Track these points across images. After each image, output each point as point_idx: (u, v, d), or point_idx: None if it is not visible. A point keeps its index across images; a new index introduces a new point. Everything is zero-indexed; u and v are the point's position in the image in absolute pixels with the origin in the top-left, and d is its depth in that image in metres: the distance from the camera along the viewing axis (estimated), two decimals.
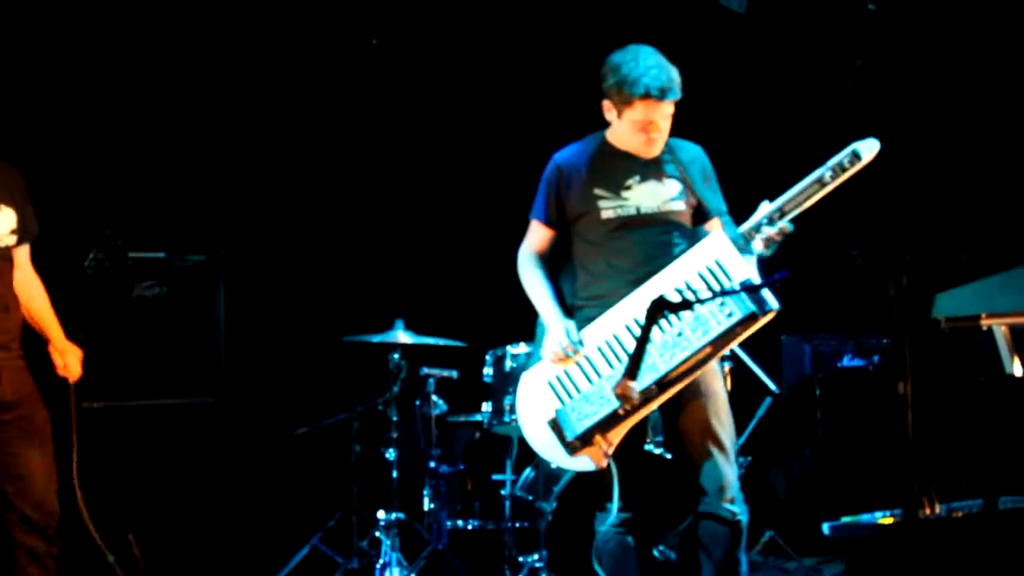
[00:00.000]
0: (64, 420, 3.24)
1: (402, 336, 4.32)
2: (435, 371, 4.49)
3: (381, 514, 4.29)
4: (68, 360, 3.21)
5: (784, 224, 2.72)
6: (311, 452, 4.85)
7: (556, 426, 2.85)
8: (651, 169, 2.95)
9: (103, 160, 4.67)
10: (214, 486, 4.67)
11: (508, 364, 4.16)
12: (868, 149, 2.65)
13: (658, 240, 2.93)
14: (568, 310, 3.00)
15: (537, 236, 3.07)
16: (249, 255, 4.99)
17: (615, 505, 2.88)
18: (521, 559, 4.07)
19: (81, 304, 4.34)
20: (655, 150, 2.94)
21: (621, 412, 2.75)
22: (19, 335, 3.09)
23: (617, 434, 2.80)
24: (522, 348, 4.16)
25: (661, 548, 3.72)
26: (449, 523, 4.41)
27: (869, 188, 4.64)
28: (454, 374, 4.53)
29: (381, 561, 4.15)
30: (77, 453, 3.15)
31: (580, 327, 2.91)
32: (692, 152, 3.01)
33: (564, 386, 2.87)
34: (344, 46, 5.11)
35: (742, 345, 4.14)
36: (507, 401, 4.11)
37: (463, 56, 5.21)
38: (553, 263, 3.11)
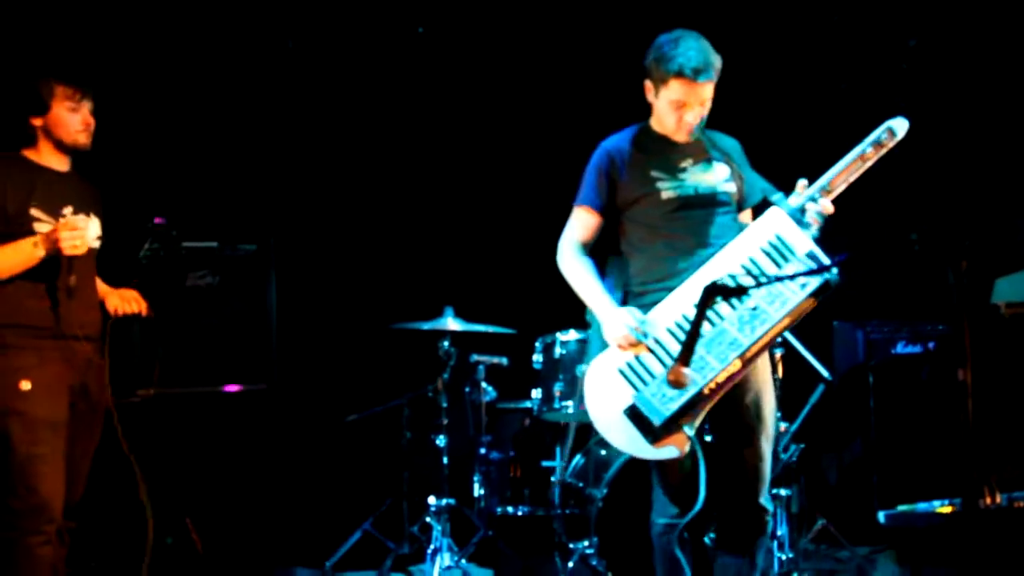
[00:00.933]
0: (120, 408, 3.32)
1: (452, 323, 4.34)
2: (485, 358, 4.51)
3: (431, 500, 4.32)
4: (127, 294, 3.32)
5: (828, 202, 2.76)
6: (362, 439, 4.90)
7: (636, 413, 2.75)
8: (700, 153, 2.96)
9: (157, 152, 4.74)
10: (268, 472, 4.75)
11: (557, 351, 4.16)
12: (900, 126, 2.73)
13: (716, 220, 2.93)
14: (624, 297, 2.98)
15: (583, 224, 3.02)
16: (300, 244, 5.04)
17: (702, 493, 2.77)
18: (571, 545, 4.07)
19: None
20: (686, 134, 2.94)
21: (707, 391, 2.69)
22: (102, 329, 3.23)
23: (698, 417, 2.76)
24: (572, 335, 4.16)
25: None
26: (499, 509, 4.43)
27: (928, 171, 4.57)
28: (504, 361, 4.54)
29: (432, 546, 4.18)
30: (126, 440, 3.23)
31: (645, 311, 2.86)
32: (731, 142, 3.04)
33: (637, 372, 2.80)
34: (390, 35, 5.13)
35: (794, 331, 4.10)
36: (556, 388, 4.11)
37: (511, 42, 5.20)
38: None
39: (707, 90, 2.88)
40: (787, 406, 4.16)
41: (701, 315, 2.54)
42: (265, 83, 5.02)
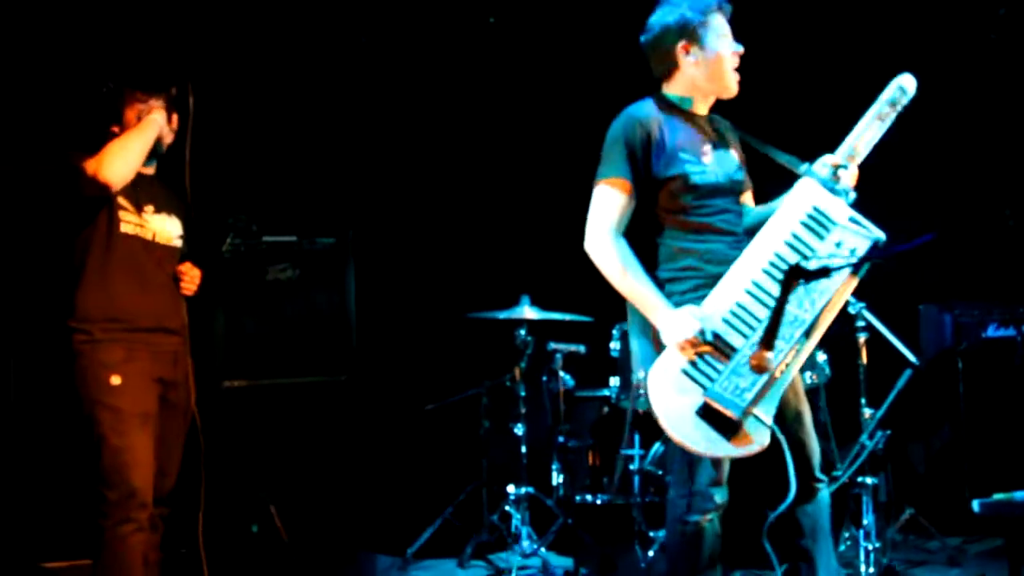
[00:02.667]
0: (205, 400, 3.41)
1: (529, 312, 4.34)
2: (562, 346, 4.49)
3: (511, 488, 4.33)
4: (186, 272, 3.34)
5: (855, 167, 2.72)
6: (441, 428, 4.93)
7: (710, 411, 2.60)
8: (716, 136, 2.87)
9: (238, 149, 4.83)
10: (349, 461, 4.81)
11: None
12: (909, 83, 2.70)
13: (737, 209, 2.85)
14: (656, 284, 2.75)
15: (615, 202, 2.72)
16: (377, 236, 5.09)
17: (793, 481, 2.65)
18: (651, 534, 4.04)
19: (219, 287, 4.52)
20: (736, 85, 2.84)
21: (777, 374, 2.60)
22: (187, 324, 3.31)
23: (773, 404, 2.65)
24: None
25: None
26: (578, 497, 4.42)
27: (1021, 144, 4.39)
28: (581, 349, 4.52)
29: (511, 535, 4.19)
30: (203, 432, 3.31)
31: (677, 302, 2.71)
32: (725, 123, 2.94)
33: (702, 370, 2.64)
34: (461, 26, 5.14)
35: (878, 315, 4.00)
36: (635, 376, 4.08)
37: (583, 29, 5.17)
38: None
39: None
40: (872, 392, 4.06)
41: (784, 299, 2.48)
42: (341, 79, 5.08)
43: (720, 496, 2.78)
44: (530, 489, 4.31)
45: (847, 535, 3.78)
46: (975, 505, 2.54)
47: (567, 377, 4.47)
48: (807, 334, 2.63)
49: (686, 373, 2.64)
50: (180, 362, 3.26)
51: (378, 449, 4.96)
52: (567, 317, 4.38)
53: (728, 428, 2.61)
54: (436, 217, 5.30)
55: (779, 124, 3.39)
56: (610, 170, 2.73)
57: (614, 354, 4.22)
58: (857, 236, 2.64)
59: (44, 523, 4.20)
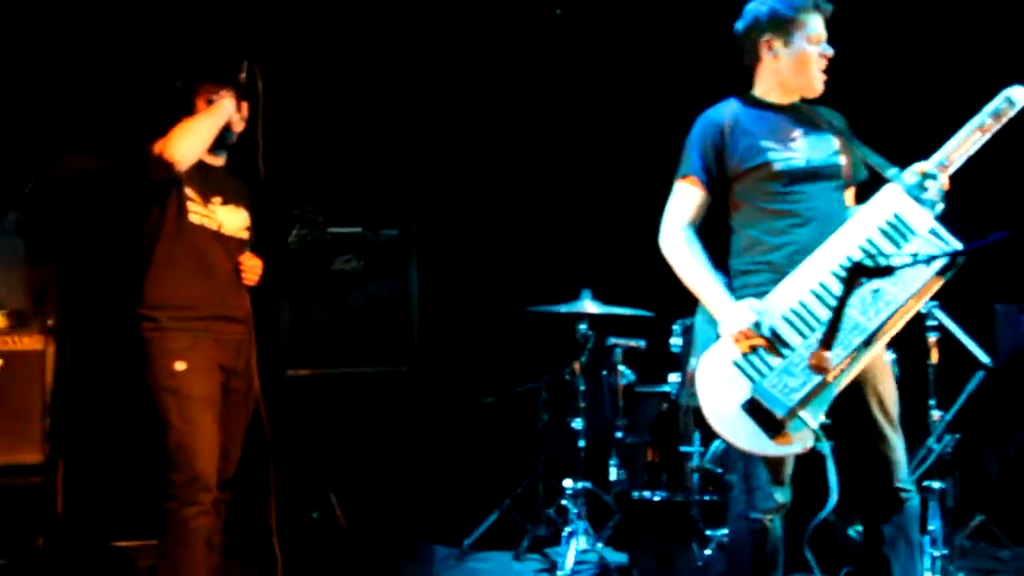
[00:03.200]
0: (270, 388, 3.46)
1: (589, 306, 4.32)
2: (622, 341, 4.46)
3: (568, 483, 4.32)
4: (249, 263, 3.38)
5: (946, 177, 2.64)
6: (500, 420, 4.95)
7: (756, 407, 2.60)
8: (810, 123, 2.82)
9: (305, 142, 4.90)
10: (409, 451, 4.86)
11: None
12: (1019, 95, 2.63)
13: (830, 196, 2.78)
14: (728, 276, 2.82)
15: (689, 200, 2.82)
16: (440, 229, 5.12)
17: (835, 487, 2.68)
18: (709, 532, 3.99)
19: (286, 278, 4.59)
20: (821, 85, 2.81)
21: (830, 379, 2.56)
22: (251, 313, 3.36)
23: (822, 408, 2.61)
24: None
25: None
26: (636, 494, 4.39)
27: None
28: (641, 344, 4.49)
29: (568, 529, 4.18)
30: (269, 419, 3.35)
31: (751, 294, 2.72)
32: (836, 115, 2.89)
33: (754, 364, 2.64)
34: (528, 17, 5.12)
35: (951, 314, 3.89)
36: (690, 366, 4.03)
37: (644, 21, 5.12)
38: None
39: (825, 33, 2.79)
40: (943, 393, 3.95)
41: (846, 297, 2.43)
42: (408, 70, 5.11)
43: (781, 496, 2.75)
44: (587, 484, 4.30)
45: None
46: None
47: (627, 372, 4.44)
48: (867, 343, 2.57)
49: (737, 365, 2.65)
50: (243, 351, 3.32)
51: (437, 440, 4.99)
52: (628, 312, 4.35)
53: (771, 426, 2.59)
54: (498, 211, 5.31)
55: (881, 125, 3.31)
56: (684, 168, 2.85)
57: (675, 349, 4.18)
58: (935, 248, 2.57)
59: (115, 503, 4.33)
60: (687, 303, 4.25)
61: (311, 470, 4.54)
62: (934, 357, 3.88)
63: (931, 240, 2.59)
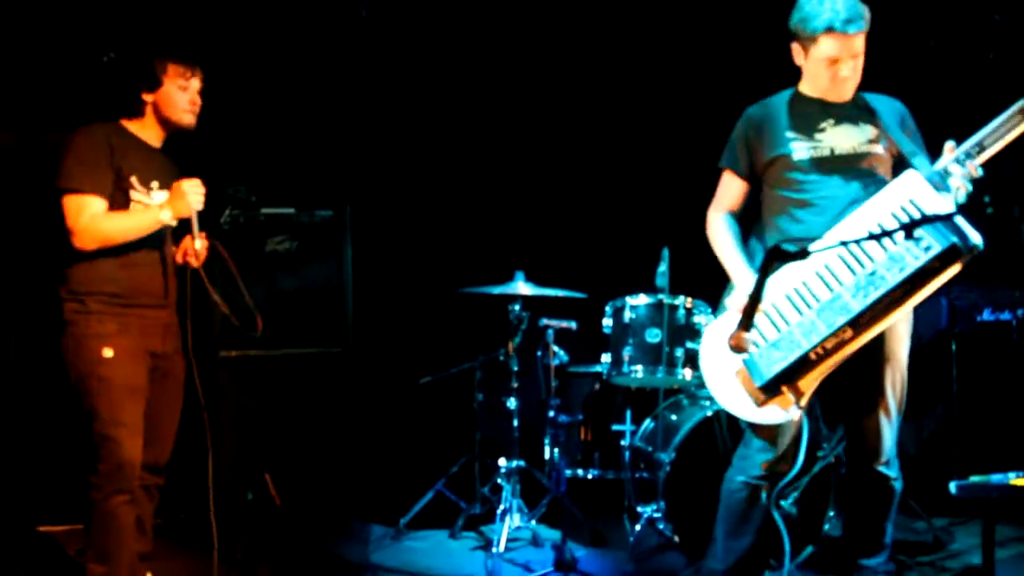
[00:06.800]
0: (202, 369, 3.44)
1: (522, 287, 4.37)
2: (555, 322, 4.51)
3: (502, 461, 4.38)
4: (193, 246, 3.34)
5: (976, 164, 2.63)
6: (435, 401, 4.98)
7: (744, 375, 2.77)
8: (846, 113, 2.90)
9: (236, 121, 4.84)
10: (344, 432, 4.87)
11: (627, 315, 4.16)
12: None
13: (854, 183, 2.85)
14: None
15: (727, 189, 3.05)
16: (374, 210, 5.11)
17: (800, 461, 2.86)
18: (639, 509, 4.09)
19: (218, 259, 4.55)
20: (846, 92, 2.88)
21: (813, 356, 2.65)
22: (180, 296, 3.32)
23: (809, 383, 2.72)
24: (642, 299, 4.15)
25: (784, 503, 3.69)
26: (568, 472, 4.47)
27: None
28: (574, 325, 4.55)
29: (502, 507, 4.24)
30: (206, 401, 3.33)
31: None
32: (890, 104, 2.94)
33: (751, 337, 2.73)
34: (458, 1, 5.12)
35: None
36: (626, 352, 4.12)
37: (581, 11, 5.16)
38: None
39: (859, 42, 2.81)
40: None
41: (762, 280, 2.50)
42: (339, 52, 5.08)
43: (776, 465, 2.90)
44: (522, 462, 4.36)
45: (832, 514, 3.82)
46: (952, 487, 2.56)
47: (560, 352, 4.50)
48: (854, 325, 2.61)
49: None
50: (170, 334, 3.28)
51: (373, 420, 5.01)
52: (560, 293, 4.41)
53: (758, 394, 2.74)
54: (432, 192, 5.32)
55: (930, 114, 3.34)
56: (722, 160, 3.08)
57: (606, 330, 4.26)
58: (936, 234, 2.54)
59: (40, 488, 4.27)
60: (618, 284, 4.35)
61: (246, 451, 4.53)
62: None
63: (940, 227, 2.55)
